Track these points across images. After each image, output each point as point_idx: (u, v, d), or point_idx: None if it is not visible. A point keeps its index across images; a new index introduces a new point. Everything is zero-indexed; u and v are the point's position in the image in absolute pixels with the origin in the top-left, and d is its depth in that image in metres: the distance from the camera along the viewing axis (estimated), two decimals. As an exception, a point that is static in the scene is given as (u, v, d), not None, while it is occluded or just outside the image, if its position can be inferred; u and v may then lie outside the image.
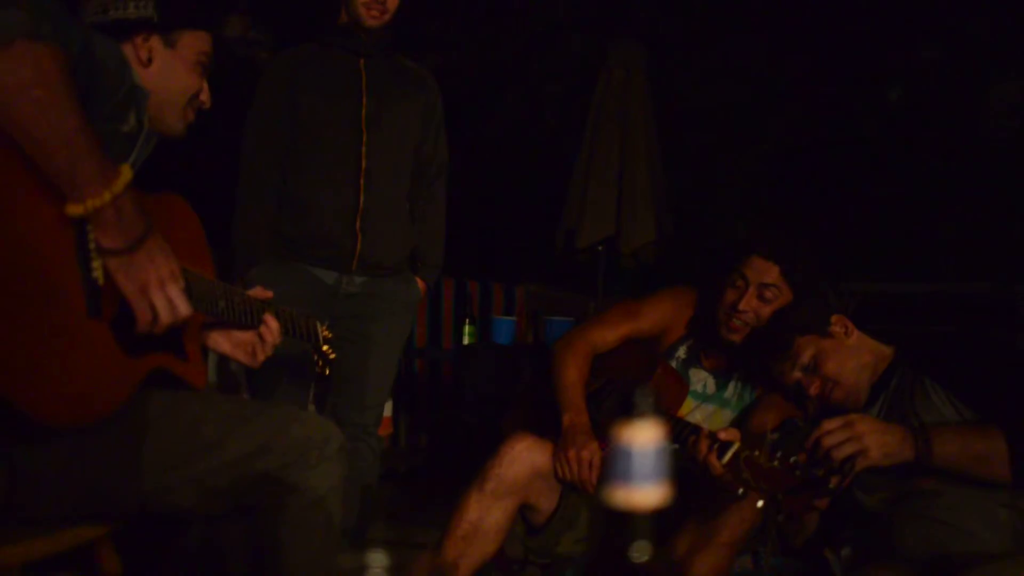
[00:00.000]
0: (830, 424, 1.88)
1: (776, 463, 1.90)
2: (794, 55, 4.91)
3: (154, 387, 1.62)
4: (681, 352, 2.61)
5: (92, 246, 1.45)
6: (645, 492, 0.76)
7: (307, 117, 2.81)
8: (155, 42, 1.76)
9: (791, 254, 2.43)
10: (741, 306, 2.40)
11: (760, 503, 1.90)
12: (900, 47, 4.69)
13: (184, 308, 1.53)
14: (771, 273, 2.41)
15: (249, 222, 2.86)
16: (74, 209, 1.39)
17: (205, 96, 1.86)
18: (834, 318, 2.20)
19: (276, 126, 2.84)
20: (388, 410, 4.97)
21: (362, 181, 2.83)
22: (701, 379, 2.56)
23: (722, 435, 2.06)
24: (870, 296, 3.54)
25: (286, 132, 2.84)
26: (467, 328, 4.60)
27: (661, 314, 2.64)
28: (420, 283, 3.04)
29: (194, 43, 1.80)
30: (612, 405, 2.47)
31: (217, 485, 1.62)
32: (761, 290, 2.40)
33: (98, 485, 1.54)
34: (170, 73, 1.77)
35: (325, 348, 2.12)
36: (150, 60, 1.76)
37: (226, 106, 2.91)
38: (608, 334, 2.61)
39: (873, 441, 1.84)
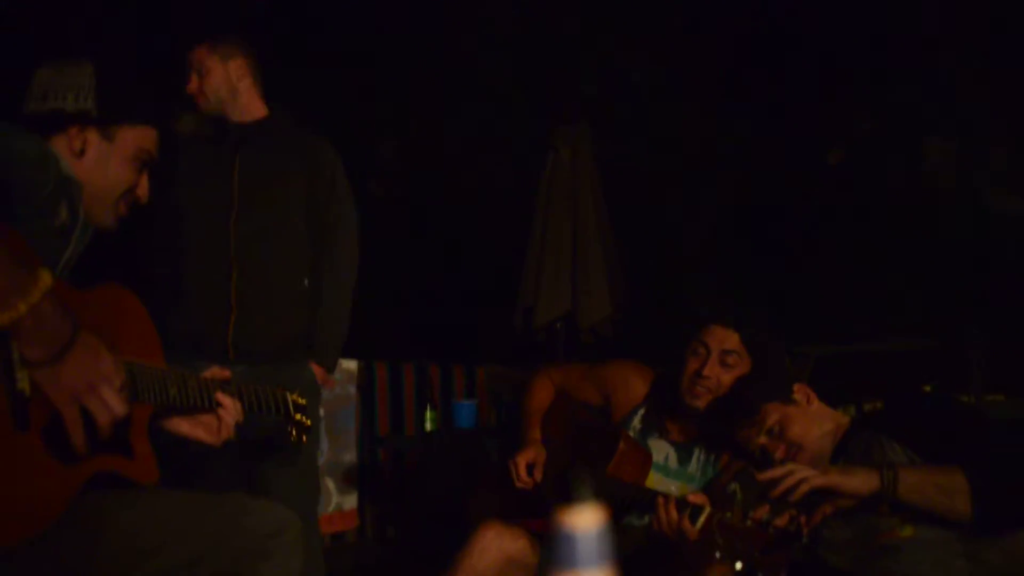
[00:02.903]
0: (791, 465, 1.90)
1: (749, 522, 1.90)
2: (736, 120, 5.04)
3: (102, 489, 1.57)
4: (636, 422, 2.61)
5: (15, 356, 1.38)
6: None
7: (176, 206, 2.76)
8: (91, 134, 1.73)
9: (750, 321, 2.51)
10: (705, 372, 2.44)
11: (739, 565, 1.90)
12: (838, 111, 4.84)
13: (120, 408, 1.46)
14: (731, 340, 2.47)
15: None
16: None
17: (142, 191, 1.82)
18: (796, 386, 2.25)
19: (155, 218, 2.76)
20: (353, 502, 4.87)
21: (233, 265, 2.74)
22: (663, 451, 2.55)
23: (691, 498, 2.08)
24: (823, 359, 3.58)
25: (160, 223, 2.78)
26: (429, 414, 4.54)
27: (615, 377, 2.70)
28: (314, 368, 2.82)
29: (134, 138, 1.77)
30: (580, 485, 2.45)
31: None
32: (723, 356, 2.45)
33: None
34: (103, 166, 1.74)
35: (298, 416, 2.07)
36: (83, 152, 1.73)
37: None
38: (572, 375, 2.77)
39: (833, 471, 1.86)
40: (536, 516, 2.47)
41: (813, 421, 2.19)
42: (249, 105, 2.86)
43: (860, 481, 1.85)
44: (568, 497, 0.76)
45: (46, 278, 1.37)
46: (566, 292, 4.84)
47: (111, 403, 1.46)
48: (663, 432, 2.57)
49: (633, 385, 2.66)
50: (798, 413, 2.19)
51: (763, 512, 1.90)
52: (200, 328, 2.72)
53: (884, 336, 4.32)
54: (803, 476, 1.85)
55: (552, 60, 5.25)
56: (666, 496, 2.16)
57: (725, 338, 2.47)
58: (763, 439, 2.20)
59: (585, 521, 0.76)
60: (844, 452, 2.13)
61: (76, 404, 1.43)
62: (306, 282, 2.80)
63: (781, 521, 1.88)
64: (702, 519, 2.00)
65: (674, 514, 2.06)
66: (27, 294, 1.34)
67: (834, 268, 4.74)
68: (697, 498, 2.10)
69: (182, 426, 1.88)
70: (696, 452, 2.53)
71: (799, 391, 2.24)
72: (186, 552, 1.59)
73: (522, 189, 5.20)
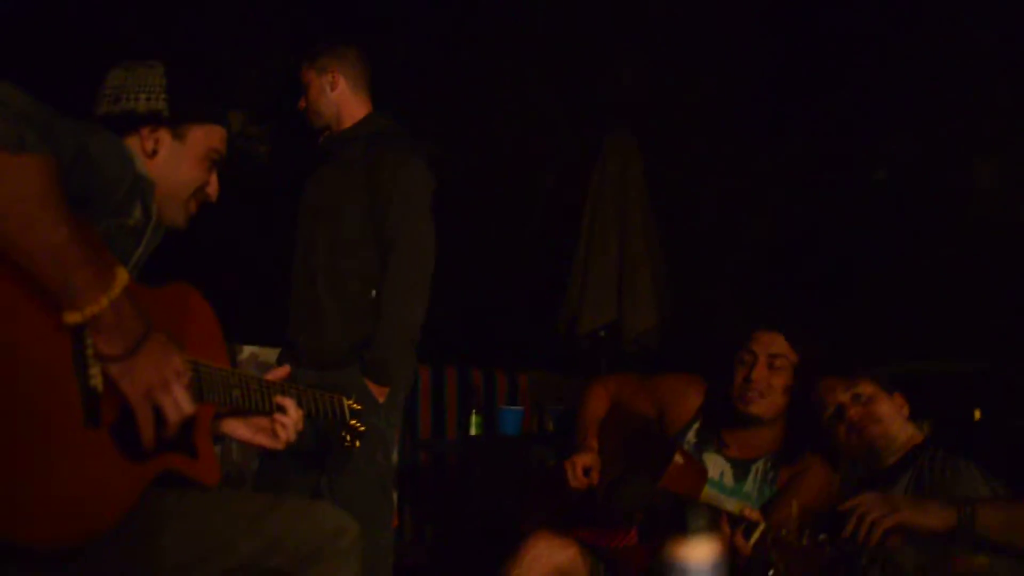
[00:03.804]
0: (868, 495, 1.88)
1: (805, 541, 1.86)
2: (784, 140, 4.99)
3: (163, 488, 1.59)
4: (691, 436, 2.60)
5: (89, 352, 1.42)
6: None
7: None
8: (163, 134, 1.76)
9: (792, 321, 2.56)
10: (753, 375, 2.47)
11: None
12: (887, 129, 4.77)
13: (188, 406, 1.50)
14: (777, 343, 2.50)
15: None
16: (71, 317, 1.37)
17: (212, 189, 1.86)
18: (896, 394, 2.32)
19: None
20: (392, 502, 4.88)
21: (302, 275, 2.91)
22: (719, 467, 2.53)
23: (747, 513, 2.06)
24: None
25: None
26: (474, 419, 4.55)
27: (670, 390, 2.70)
28: (369, 384, 2.74)
29: (204, 137, 1.81)
30: (623, 501, 2.44)
31: None
32: (771, 360, 2.48)
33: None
34: (176, 165, 1.77)
35: (353, 422, 2.08)
36: (155, 152, 1.76)
37: (226, 199, 2.96)
38: (627, 386, 2.77)
39: (907, 507, 1.84)
40: (587, 525, 2.46)
41: (900, 415, 2.26)
42: (347, 111, 2.95)
43: (935, 519, 1.84)
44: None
45: (123, 274, 1.42)
46: (612, 301, 4.82)
47: (181, 401, 1.49)
48: (720, 447, 2.55)
49: (688, 398, 2.66)
50: (891, 402, 2.27)
51: (814, 501, 1.90)
52: (290, 335, 2.83)
53: (933, 357, 4.26)
54: (876, 517, 1.83)
55: (600, 72, 5.24)
56: (719, 509, 2.14)
57: (771, 342, 2.50)
58: (846, 397, 2.24)
59: (699, 553, 0.76)
60: (913, 465, 2.11)
61: (149, 400, 1.46)
62: (374, 293, 2.80)
63: (840, 542, 1.85)
64: (756, 535, 1.98)
65: (726, 529, 2.04)
66: (108, 288, 1.38)
67: (882, 288, 4.68)
68: (752, 513, 2.08)
69: (241, 430, 1.90)
70: (753, 470, 2.50)
71: (898, 397, 2.31)
72: (252, 549, 1.60)
73: (570, 197, 5.19)
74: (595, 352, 5.04)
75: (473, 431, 4.51)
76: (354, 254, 2.84)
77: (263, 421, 1.89)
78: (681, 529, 0.76)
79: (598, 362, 5.03)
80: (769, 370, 2.47)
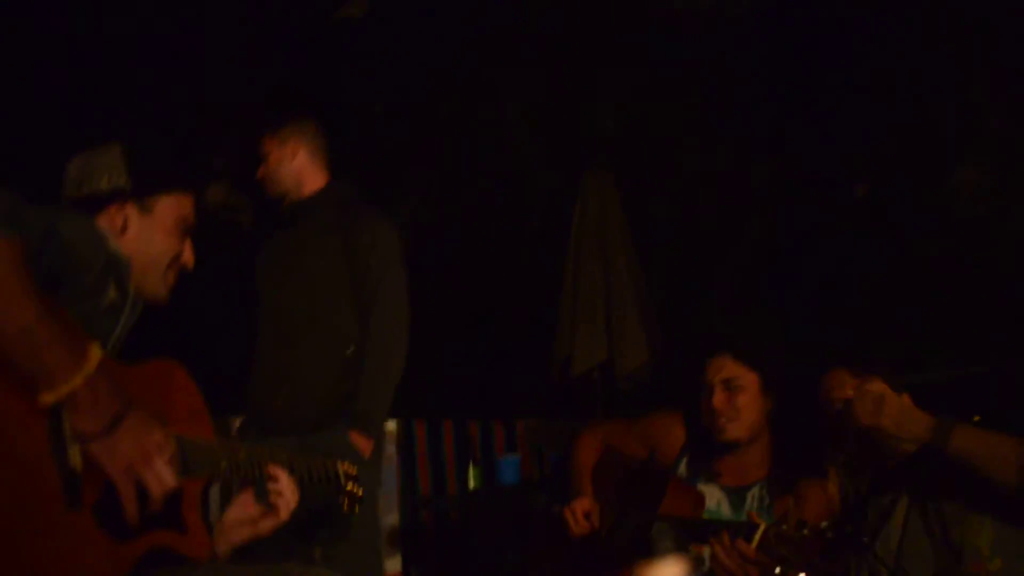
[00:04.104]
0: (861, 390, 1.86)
1: (806, 531, 1.88)
2: (760, 159, 5.02)
3: (152, 567, 1.55)
4: (682, 468, 2.63)
5: (67, 433, 1.40)
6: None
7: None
8: (130, 209, 1.76)
9: (735, 339, 2.60)
10: (714, 404, 2.49)
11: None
12: (863, 143, 4.81)
13: (171, 480, 1.47)
14: (726, 367, 2.52)
15: None
16: (46, 397, 1.35)
17: (187, 258, 1.85)
18: (905, 395, 2.22)
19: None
20: (397, 565, 4.80)
21: (270, 340, 2.93)
22: (715, 497, 2.53)
23: (753, 516, 2.08)
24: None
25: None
26: (472, 471, 4.50)
27: (657, 428, 2.72)
28: (353, 436, 2.80)
29: (173, 207, 1.81)
30: (628, 536, 2.43)
31: None
32: (725, 384, 2.50)
33: None
34: (147, 239, 1.77)
35: (350, 487, 2.04)
36: (125, 228, 1.76)
37: (212, 271, 2.98)
38: (616, 431, 2.78)
39: (891, 416, 1.86)
40: (594, 570, 2.43)
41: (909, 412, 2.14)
42: (307, 180, 3.03)
43: (910, 433, 1.83)
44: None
45: (97, 350, 1.40)
46: (602, 340, 4.81)
47: (164, 475, 1.46)
48: (712, 476, 2.56)
49: (674, 433, 2.69)
50: (900, 402, 2.13)
51: (820, 520, 1.90)
52: (255, 401, 2.79)
53: (930, 365, 4.24)
54: (860, 411, 1.82)
55: (576, 109, 5.28)
56: (718, 523, 2.16)
57: (720, 367, 2.53)
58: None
59: (668, 573, 0.74)
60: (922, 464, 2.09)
61: (131, 476, 1.43)
62: (351, 350, 2.87)
63: (841, 527, 1.87)
64: (758, 535, 1.99)
65: (727, 540, 2.03)
66: (82, 366, 1.36)
67: (872, 303, 4.68)
68: (754, 515, 2.11)
69: (246, 531, 1.87)
70: (749, 497, 2.50)
71: (906, 398, 2.18)
72: None
73: (552, 239, 5.20)
74: (590, 393, 5.01)
75: (472, 484, 4.45)
76: (334, 314, 2.89)
77: (256, 509, 1.87)
78: (647, 551, 0.74)
79: (593, 403, 5.00)
80: (727, 394, 2.50)
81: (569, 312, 4.91)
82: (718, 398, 2.50)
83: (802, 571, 1.88)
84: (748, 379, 2.50)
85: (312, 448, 2.29)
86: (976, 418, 4.08)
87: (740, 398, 2.49)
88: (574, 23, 4.85)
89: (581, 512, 2.53)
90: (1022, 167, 4.53)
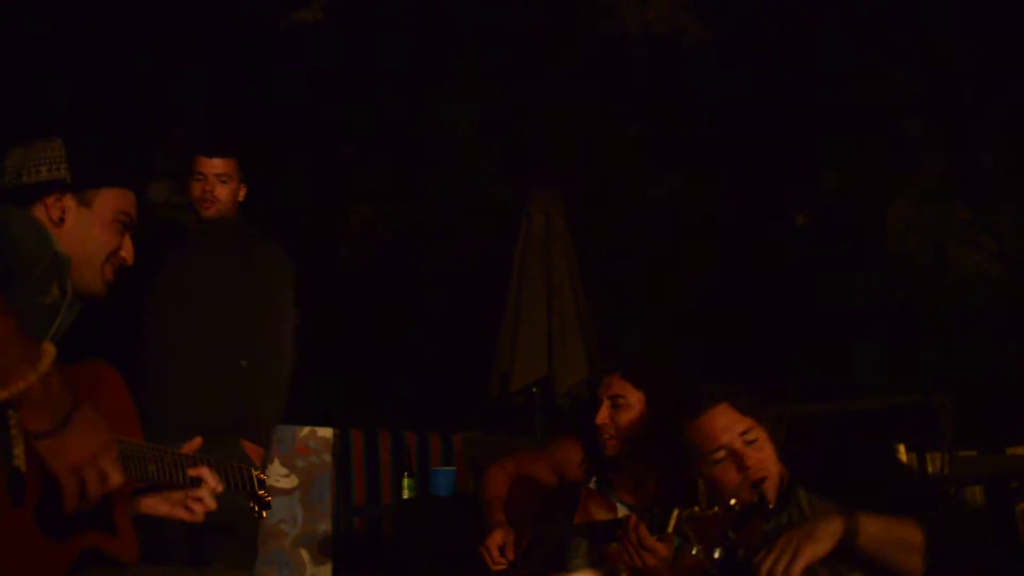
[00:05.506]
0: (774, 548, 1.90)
1: (716, 508, 1.91)
2: (704, 186, 5.13)
3: (82, 568, 1.55)
4: (591, 484, 2.63)
5: (13, 432, 1.39)
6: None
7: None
8: (68, 201, 1.75)
9: (622, 359, 2.64)
10: (596, 420, 2.52)
11: (718, 553, 1.90)
12: (803, 175, 4.94)
13: (118, 477, 1.47)
14: (615, 383, 2.55)
15: None
16: None
17: (126, 253, 1.83)
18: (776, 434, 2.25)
19: None
20: (328, 573, 4.78)
21: (163, 353, 3.06)
22: (623, 513, 2.55)
23: (657, 511, 2.09)
24: (799, 417, 3.61)
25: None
26: (406, 481, 4.50)
27: (561, 454, 2.75)
28: (246, 445, 2.97)
29: (111, 201, 1.79)
30: (542, 554, 2.46)
31: None
32: (612, 401, 2.53)
33: None
34: (85, 231, 1.75)
35: (261, 492, 2.06)
36: (62, 219, 1.74)
37: (151, 269, 2.99)
38: (523, 461, 2.80)
39: (806, 547, 1.86)
40: None
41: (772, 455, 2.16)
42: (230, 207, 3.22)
43: (829, 541, 1.86)
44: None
45: (51, 349, 1.39)
46: (542, 357, 4.85)
47: (111, 474, 1.46)
48: (618, 496, 2.58)
49: (578, 456, 2.71)
50: (773, 445, 2.17)
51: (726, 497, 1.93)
52: (150, 412, 2.82)
53: (855, 395, 4.36)
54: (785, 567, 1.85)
55: (523, 128, 5.34)
56: (627, 517, 2.15)
57: (609, 384, 2.56)
58: (740, 444, 2.13)
59: None
60: (788, 504, 2.12)
61: (77, 475, 1.43)
62: (243, 364, 3.04)
63: (744, 497, 1.90)
64: (672, 521, 1.98)
65: (643, 530, 2.03)
66: (36, 365, 1.35)
67: (804, 331, 4.80)
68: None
69: (161, 507, 1.87)
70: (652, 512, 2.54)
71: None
72: None
73: (496, 255, 5.25)
74: (528, 409, 5.05)
75: (406, 494, 4.46)
76: (231, 327, 3.07)
77: (175, 494, 1.87)
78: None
79: (532, 418, 5.04)
80: (613, 411, 2.52)
81: (510, 327, 4.94)
82: (601, 414, 2.52)
83: (717, 547, 1.90)
84: (635, 397, 2.52)
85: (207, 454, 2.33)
86: (900, 446, 4.20)
87: (624, 415, 2.50)
88: (524, 42, 4.92)
89: (495, 547, 2.54)
90: (952, 205, 4.69)
